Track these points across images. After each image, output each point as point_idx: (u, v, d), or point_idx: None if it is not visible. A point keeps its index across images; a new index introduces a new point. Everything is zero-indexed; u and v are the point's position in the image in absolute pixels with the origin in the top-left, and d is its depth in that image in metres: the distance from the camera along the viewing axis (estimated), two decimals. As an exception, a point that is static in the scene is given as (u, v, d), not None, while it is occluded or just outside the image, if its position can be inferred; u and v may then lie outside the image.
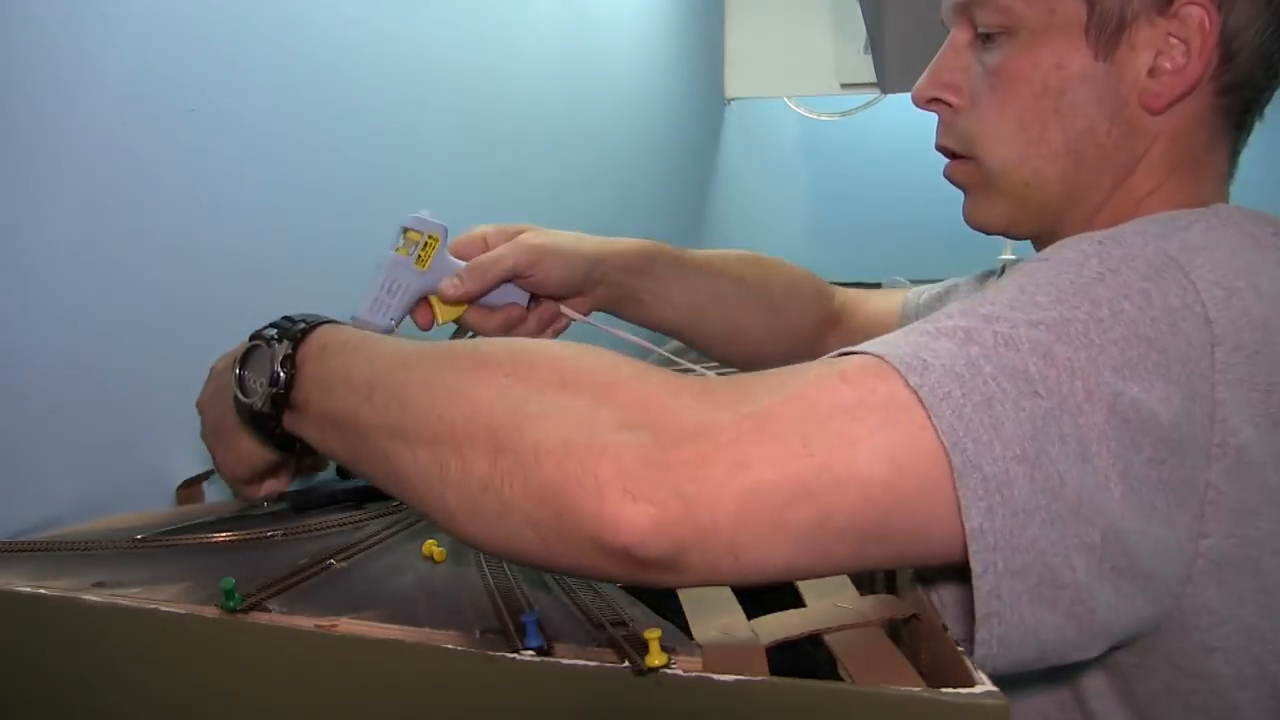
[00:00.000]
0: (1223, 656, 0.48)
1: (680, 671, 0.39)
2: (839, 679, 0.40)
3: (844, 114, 2.60)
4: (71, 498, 0.63)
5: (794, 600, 0.48)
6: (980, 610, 0.41)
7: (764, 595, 0.51)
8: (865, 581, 0.57)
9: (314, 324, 0.52)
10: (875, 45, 1.83)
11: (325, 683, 0.44)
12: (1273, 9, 0.54)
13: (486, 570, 0.52)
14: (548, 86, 1.35)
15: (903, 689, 0.37)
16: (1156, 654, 0.49)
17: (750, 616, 0.46)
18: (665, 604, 0.48)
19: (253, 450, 0.56)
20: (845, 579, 0.51)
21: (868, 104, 2.52)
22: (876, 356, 0.42)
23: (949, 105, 0.62)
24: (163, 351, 0.70)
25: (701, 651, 0.41)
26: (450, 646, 0.42)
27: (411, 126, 1.01)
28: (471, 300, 0.69)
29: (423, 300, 0.68)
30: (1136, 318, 0.44)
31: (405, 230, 0.68)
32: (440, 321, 0.69)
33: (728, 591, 0.50)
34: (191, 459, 0.74)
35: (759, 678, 0.38)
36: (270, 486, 0.60)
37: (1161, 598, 0.45)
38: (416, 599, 0.48)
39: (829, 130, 2.76)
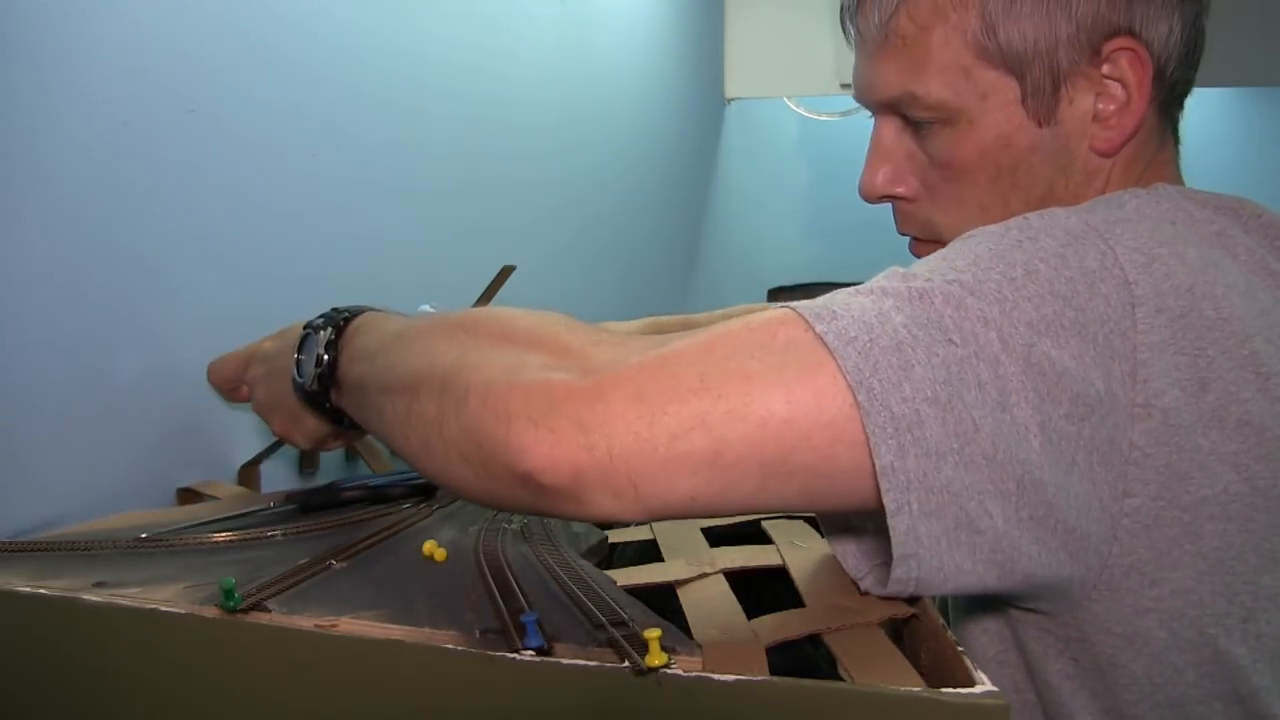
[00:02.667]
0: (1156, 618, 0.48)
1: (680, 671, 0.39)
2: (839, 679, 0.40)
3: (844, 114, 2.60)
4: (71, 498, 0.63)
5: (794, 600, 0.48)
6: (898, 550, 0.41)
7: (764, 595, 0.51)
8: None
9: (356, 312, 0.58)
10: (875, 45, 1.83)
11: (325, 683, 0.44)
12: (1180, 11, 0.55)
13: (486, 570, 0.52)
14: (547, 87, 1.35)
15: (903, 689, 0.37)
16: (1092, 621, 0.49)
17: (750, 616, 0.46)
18: (665, 604, 0.48)
19: (316, 425, 0.62)
20: (846, 580, 0.51)
21: (868, 104, 2.52)
22: (788, 308, 0.44)
23: (901, 198, 0.62)
24: (163, 351, 0.70)
25: (701, 651, 0.41)
26: (450, 646, 0.42)
27: (410, 127, 1.01)
28: None
29: None
30: (1052, 277, 0.45)
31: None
32: None
33: (728, 592, 0.50)
34: (192, 459, 0.74)
35: (759, 678, 0.38)
36: (338, 443, 0.66)
37: (1086, 555, 0.46)
38: (416, 599, 0.48)
39: (829, 130, 2.76)
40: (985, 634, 0.55)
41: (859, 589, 0.48)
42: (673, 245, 1.98)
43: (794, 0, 2.42)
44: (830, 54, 2.40)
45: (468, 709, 0.42)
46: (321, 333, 0.57)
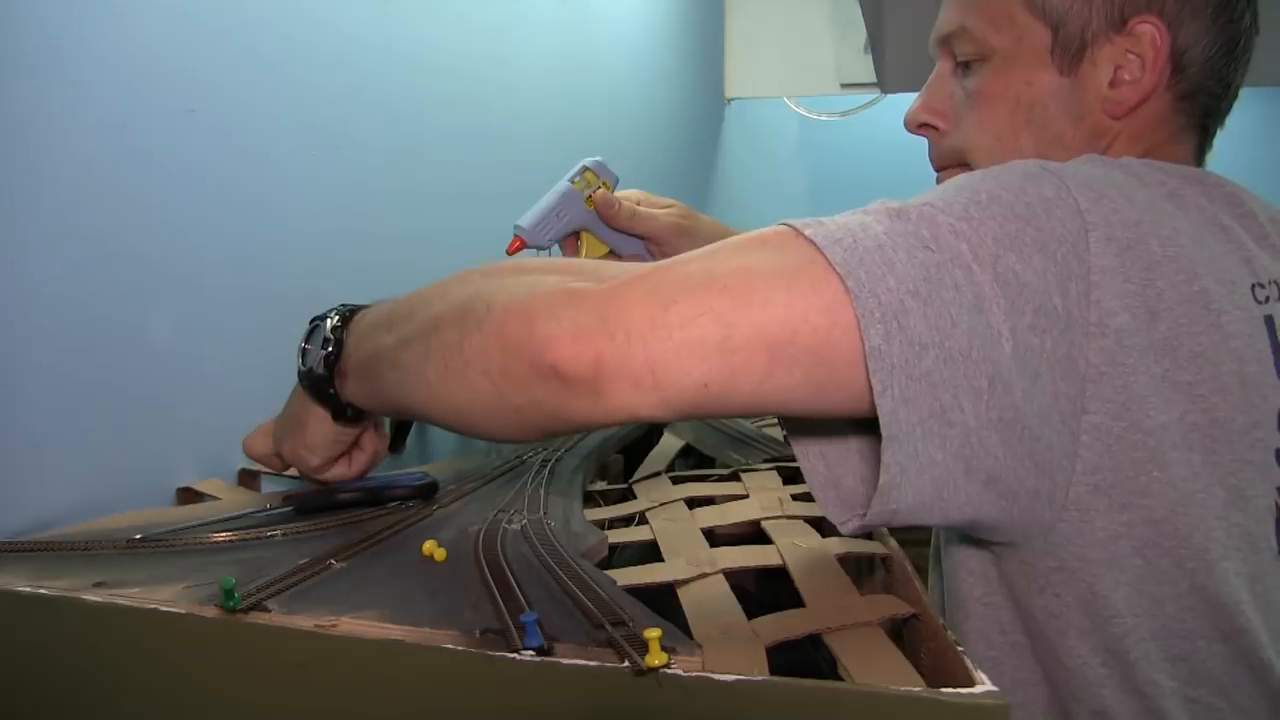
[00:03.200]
0: (1130, 545, 0.50)
1: (680, 671, 0.39)
2: (839, 679, 0.40)
3: (844, 114, 2.60)
4: (71, 498, 0.63)
5: (794, 600, 0.48)
6: (885, 432, 0.44)
7: (764, 595, 0.51)
8: (865, 582, 0.57)
9: (360, 307, 0.60)
10: (875, 45, 1.84)
11: (325, 683, 0.44)
12: (1217, 29, 0.61)
13: (486, 570, 0.52)
14: (547, 87, 1.35)
15: (902, 689, 0.37)
16: (1066, 546, 0.51)
17: (750, 616, 0.46)
18: (665, 604, 0.48)
19: (318, 428, 0.63)
20: (846, 580, 0.51)
21: (868, 104, 2.52)
22: (781, 223, 0.48)
23: (935, 129, 0.68)
24: (163, 351, 0.70)
25: (701, 651, 0.41)
26: (450, 646, 0.42)
27: (411, 128, 1.01)
28: (618, 228, 0.79)
29: (574, 234, 0.78)
30: (1013, 201, 0.49)
31: (585, 170, 0.79)
32: (584, 255, 0.78)
33: (728, 592, 0.50)
34: (192, 459, 0.74)
35: (759, 678, 0.38)
36: (339, 471, 0.67)
37: (1050, 467, 0.48)
38: (416, 599, 0.48)
39: (829, 130, 2.76)
40: (971, 576, 0.57)
41: (840, 532, 0.51)
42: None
43: (794, 1, 2.42)
44: (830, 54, 2.40)
45: (468, 709, 0.42)
46: (328, 320, 0.60)
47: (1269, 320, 0.55)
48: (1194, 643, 0.52)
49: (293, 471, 0.70)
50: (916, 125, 0.69)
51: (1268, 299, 0.55)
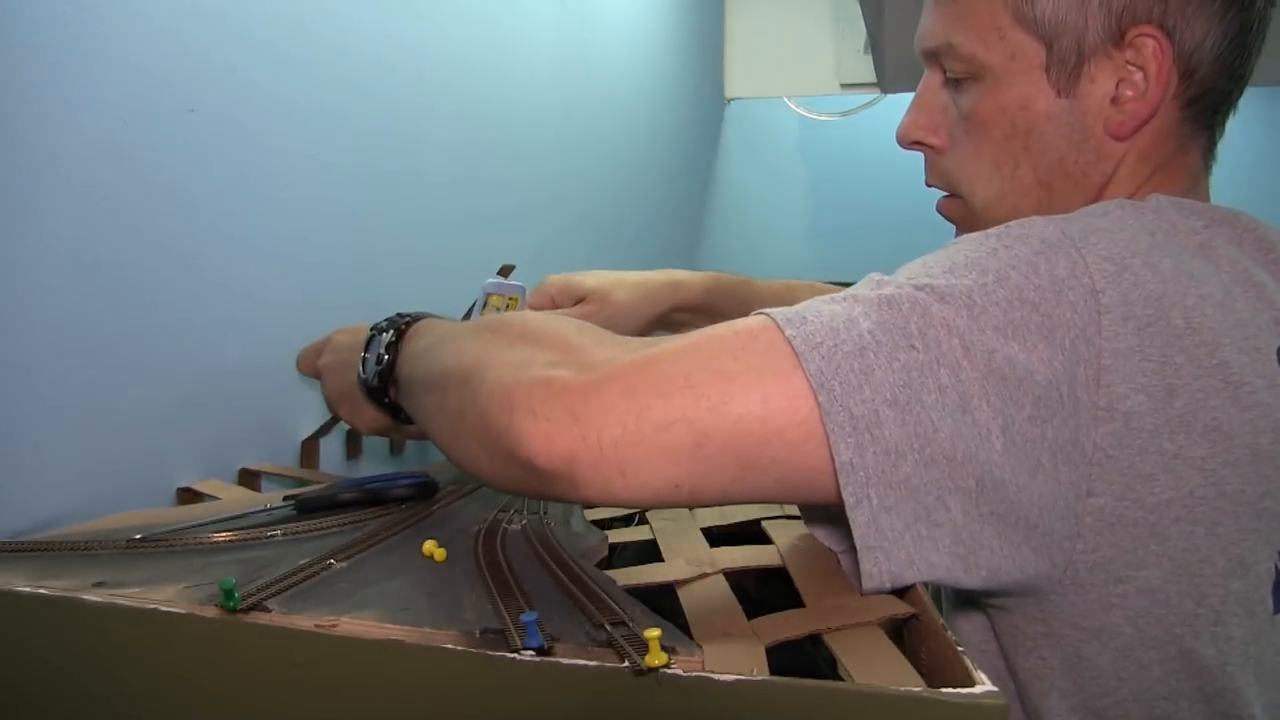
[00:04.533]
0: (1122, 614, 0.50)
1: (680, 671, 0.39)
2: (839, 679, 0.40)
3: (844, 114, 2.60)
4: (71, 498, 0.63)
5: (794, 600, 0.48)
6: (860, 542, 0.44)
7: (764, 595, 0.51)
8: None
9: (417, 317, 0.64)
10: (875, 45, 1.84)
11: (325, 683, 0.44)
12: (1226, 21, 0.57)
13: (486, 570, 0.52)
14: (547, 87, 1.35)
15: (902, 689, 0.37)
16: (1058, 615, 0.51)
17: (750, 616, 0.46)
18: (665, 604, 0.48)
19: (376, 416, 0.67)
20: (846, 580, 0.51)
21: (868, 104, 2.53)
22: (766, 315, 0.47)
23: (931, 146, 0.65)
24: (162, 351, 0.70)
25: (701, 651, 0.41)
26: (450, 646, 0.42)
27: (410, 128, 1.01)
28: None
29: None
30: (1021, 284, 0.47)
31: (489, 296, 0.80)
32: None
33: (728, 592, 0.50)
34: (192, 459, 0.74)
35: (759, 678, 0.38)
36: (397, 436, 0.73)
37: (1050, 551, 0.48)
38: (416, 599, 0.48)
39: (829, 130, 2.76)
40: (969, 622, 0.57)
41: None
42: (672, 244, 1.98)
43: (794, 0, 2.42)
44: (830, 54, 2.40)
45: (468, 709, 0.42)
46: (384, 335, 0.63)
47: None
48: (1176, 704, 0.52)
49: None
50: (909, 143, 0.66)
51: None
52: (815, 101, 2.62)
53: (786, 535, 0.59)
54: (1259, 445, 0.50)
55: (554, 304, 0.82)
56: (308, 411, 0.86)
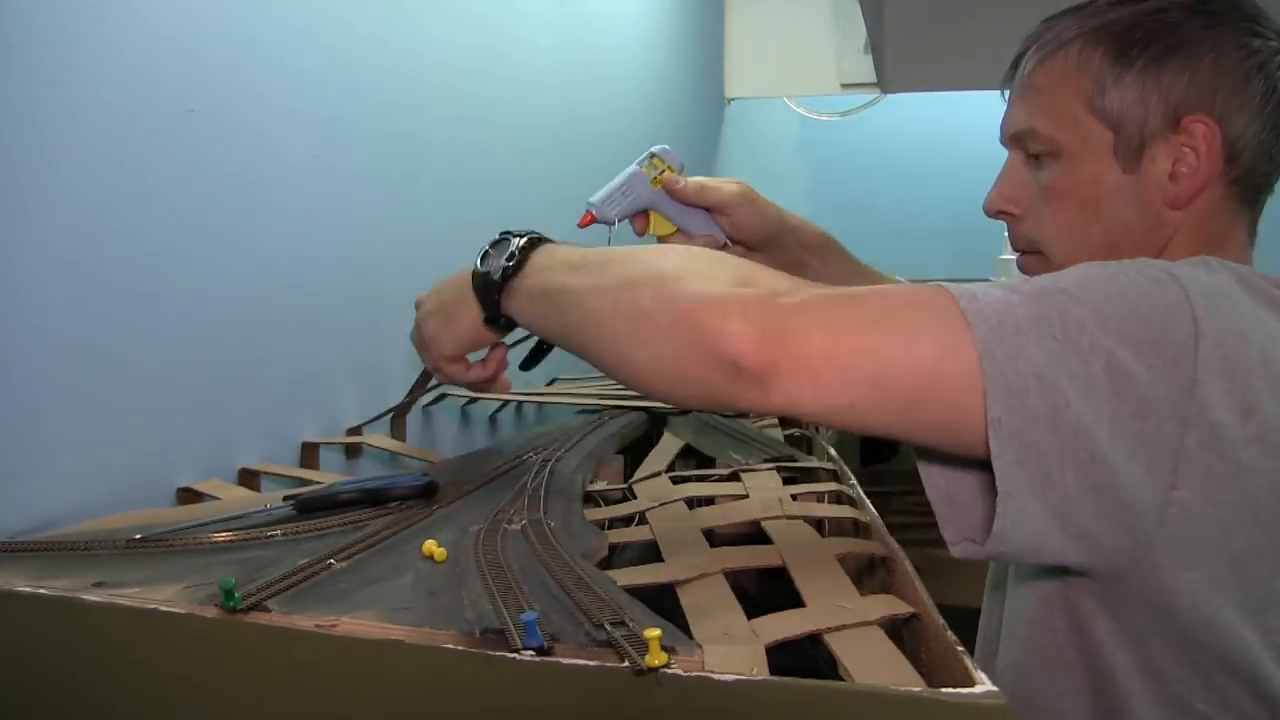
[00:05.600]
0: (1189, 600, 0.58)
1: (680, 671, 0.39)
2: (839, 679, 0.40)
3: (844, 114, 2.60)
4: (71, 498, 0.63)
5: (794, 600, 0.48)
6: (1001, 488, 0.52)
7: (764, 595, 0.51)
8: (865, 582, 0.57)
9: (546, 237, 0.68)
10: (875, 45, 1.84)
11: (325, 683, 0.44)
12: (1265, 115, 0.66)
13: (486, 570, 0.52)
14: (547, 88, 1.35)
15: (903, 689, 0.37)
16: (1133, 591, 0.58)
17: (750, 616, 0.46)
18: (665, 604, 0.48)
19: (468, 323, 0.70)
20: (846, 580, 0.51)
21: (868, 104, 2.53)
22: (943, 286, 0.55)
23: (1012, 215, 0.75)
24: (161, 351, 0.70)
25: (701, 651, 0.41)
26: (450, 646, 0.42)
27: (410, 129, 1.01)
28: (685, 201, 0.85)
29: (643, 213, 0.85)
30: (1139, 302, 0.55)
31: (652, 155, 0.86)
32: (652, 232, 0.85)
33: (728, 592, 0.50)
34: (192, 459, 0.74)
35: (759, 678, 0.38)
36: (476, 372, 0.75)
37: (1135, 530, 0.55)
38: (416, 599, 0.48)
39: (829, 130, 2.76)
40: (1036, 597, 0.64)
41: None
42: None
43: (794, 1, 2.42)
44: (830, 54, 2.40)
45: (467, 709, 0.42)
46: (518, 239, 0.67)
47: None
48: (1224, 677, 0.59)
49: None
50: (995, 212, 0.76)
51: None
52: (815, 101, 2.62)
53: (786, 535, 0.59)
54: None
55: (701, 185, 0.86)
56: (308, 411, 0.86)
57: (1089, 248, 0.70)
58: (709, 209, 0.86)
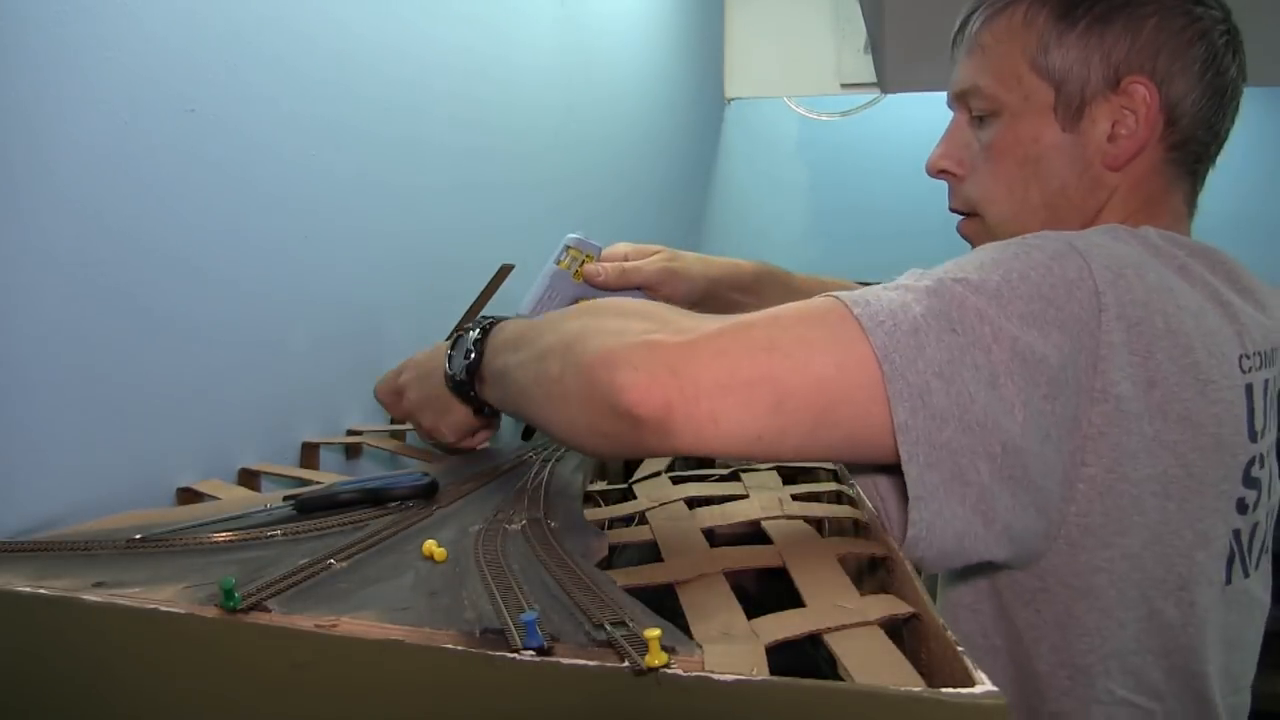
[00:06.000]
0: (1107, 578, 0.58)
1: (680, 671, 0.39)
2: (839, 679, 0.40)
3: (844, 114, 2.60)
4: (71, 498, 0.63)
5: (794, 600, 0.48)
6: (911, 493, 0.52)
7: (764, 596, 0.51)
8: (865, 582, 0.57)
9: (501, 320, 0.71)
10: (875, 45, 1.84)
11: (325, 683, 0.44)
12: (1204, 83, 0.67)
13: (486, 570, 0.52)
14: (547, 88, 1.35)
15: (902, 689, 0.37)
16: (1054, 574, 0.59)
17: (750, 616, 0.46)
18: (665, 604, 0.48)
19: (461, 414, 0.74)
20: (846, 580, 0.51)
21: (868, 104, 2.53)
22: (834, 297, 0.54)
23: (954, 175, 0.76)
24: (162, 352, 0.70)
25: (701, 651, 0.41)
26: (450, 646, 0.42)
27: (410, 127, 1.01)
28: (609, 289, 0.86)
29: (573, 303, 0.84)
30: (1040, 282, 0.55)
31: (568, 248, 0.86)
32: None
33: (728, 591, 0.50)
34: (192, 459, 0.74)
35: (759, 678, 0.38)
36: (476, 440, 0.78)
37: (1049, 511, 0.56)
38: (416, 599, 0.48)
39: (829, 130, 2.76)
40: (963, 584, 0.65)
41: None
42: (673, 244, 1.98)
43: (794, 1, 2.42)
44: (830, 54, 2.40)
45: (467, 709, 0.42)
46: (471, 333, 0.70)
47: (1249, 388, 0.62)
48: (1144, 657, 0.60)
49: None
50: (937, 171, 0.76)
51: (1251, 369, 0.63)
52: (815, 101, 2.62)
53: (786, 535, 0.59)
54: (1222, 435, 0.59)
55: (625, 258, 0.88)
56: (308, 411, 0.86)
57: (1027, 208, 0.71)
58: (637, 288, 0.87)
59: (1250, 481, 0.62)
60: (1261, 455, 0.63)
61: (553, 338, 0.60)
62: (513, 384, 0.64)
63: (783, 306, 0.55)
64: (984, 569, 0.62)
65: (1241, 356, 0.62)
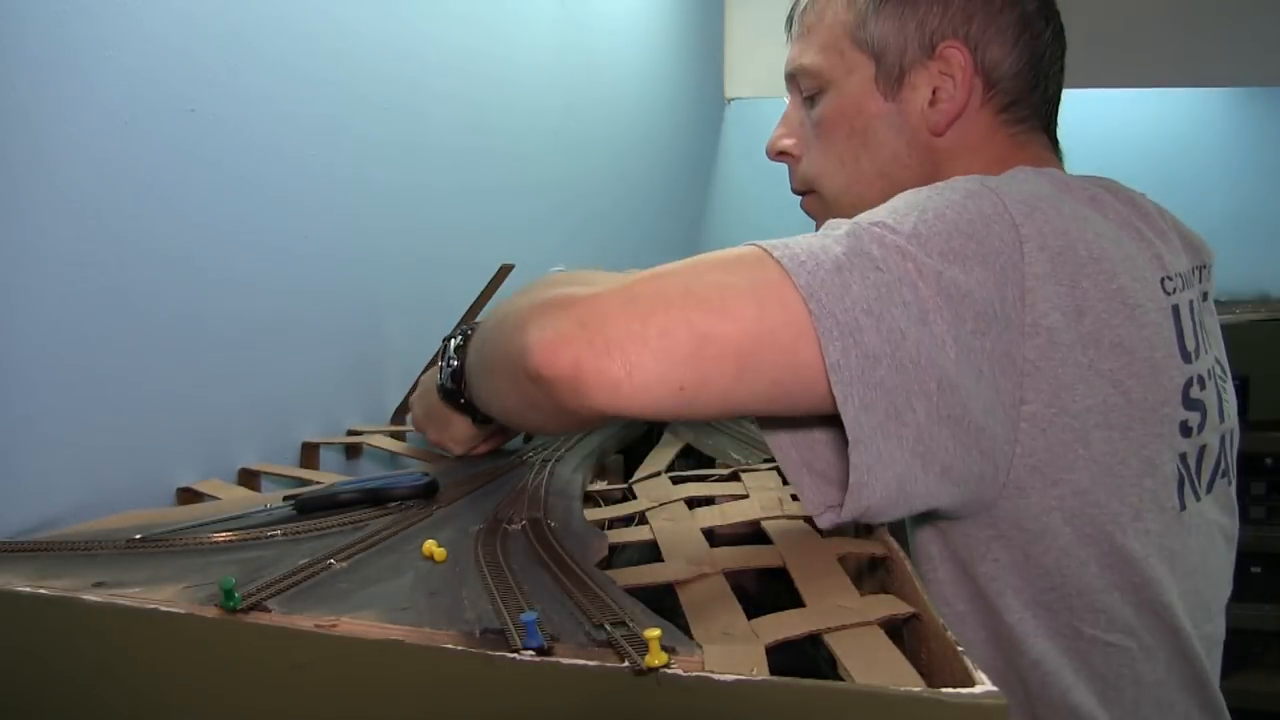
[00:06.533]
0: (1060, 516, 0.57)
1: (680, 671, 0.39)
2: (839, 679, 0.40)
3: (844, 114, 2.59)
4: (71, 498, 0.63)
5: (794, 600, 0.48)
6: (850, 436, 0.50)
7: (764, 596, 0.51)
8: (865, 582, 0.57)
9: (473, 325, 0.69)
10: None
11: (325, 683, 0.44)
12: (1019, 48, 0.69)
13: (486, 570, 0.52)
14: (547, 88, 1.35)
15: (902, 689, 0.37)
16: (1006, 519, 0.58)
17: (750, 616, 0.46)
18: (665, 604, 0.48)
19: (461, 425, 0.74)
20: (846, 580, 0.51)
21: (868, 104, 2.52)
22: (752, 243, 0.53)
23: (792, 156, 0.77)
24: (162, 352, 0.70)
25: (701, 651, 0.41)
26: (450, 646, 0.42)
27: (410, 128, 1.01)
28: None
29: None
30: (956, 219, 0.54)
31: None
32: None
33: (728, 591, 0.50)
34: (192, 459, 0.74)
35: (759, 678, 0.38)
36: (484, 447, 0.79)
37: (994, 454, 0.55)
38: (416, 599, 0.48)
39: (829, 130, 2.75)
40: (918, 553, 0.64)
41: (818, 529, 0.57)
42: (672, 245, 1.98)
43: (794, 1, 2.41)
44: (830, 54, 2.40)
45: (467, 709, 0.42)
46: (452, 340, 0.70)
47: (1175, 310, 0.61)
48: (1110, 594, 0.59)
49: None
50: (776, 153, 0.78)
51: (1175, 290, 0.62)
52: (815, 101, 2.61)
53: (786, 535, 0.59)
54: (1155, 359, 0.58)
55: None
56: (308, 411, 0.86)
57: (862, 179, 0.72)
58: None
59: (1191, 404, 0.61)
60: (1201, 377, 0.62)
61: (491, 321, 0.60)
62: (474, 380, 0.65)
63: (700, 256, 0.53)
64: (936, 532, 0.62)
65: (1164, 279, 0.61)
